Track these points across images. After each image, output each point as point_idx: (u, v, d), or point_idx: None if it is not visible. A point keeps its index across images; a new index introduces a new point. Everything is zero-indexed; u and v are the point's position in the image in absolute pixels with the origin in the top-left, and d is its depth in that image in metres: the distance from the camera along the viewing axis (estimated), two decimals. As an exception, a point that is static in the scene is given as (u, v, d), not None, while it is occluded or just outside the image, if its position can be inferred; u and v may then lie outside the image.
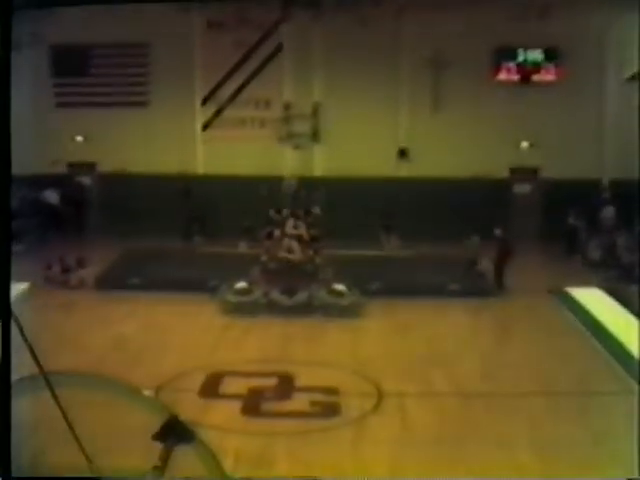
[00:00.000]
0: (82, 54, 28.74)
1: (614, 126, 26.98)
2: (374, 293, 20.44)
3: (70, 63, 28.71)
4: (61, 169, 29.29)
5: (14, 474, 3.49)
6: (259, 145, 28.51)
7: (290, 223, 21.61)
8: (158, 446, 5.00)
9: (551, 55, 27.95)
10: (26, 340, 4.02)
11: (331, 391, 14.30)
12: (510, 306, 20.58)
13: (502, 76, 28.19)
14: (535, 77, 28.17)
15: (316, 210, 21.90)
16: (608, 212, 26.48)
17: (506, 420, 13.06)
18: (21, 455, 4.77)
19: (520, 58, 28.07)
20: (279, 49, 28.56)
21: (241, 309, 19.55)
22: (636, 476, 7.22)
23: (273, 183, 23.73)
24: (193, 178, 28.70)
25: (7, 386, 3.31)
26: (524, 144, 28.42)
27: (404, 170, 28.78)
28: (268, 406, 13.93)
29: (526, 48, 27.96)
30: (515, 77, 28.23)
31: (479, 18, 27.21)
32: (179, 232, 27.12)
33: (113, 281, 21.88)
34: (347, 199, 26.79)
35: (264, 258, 21.03)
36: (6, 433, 3.28)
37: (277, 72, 28.58)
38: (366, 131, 28.31)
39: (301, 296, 19.84)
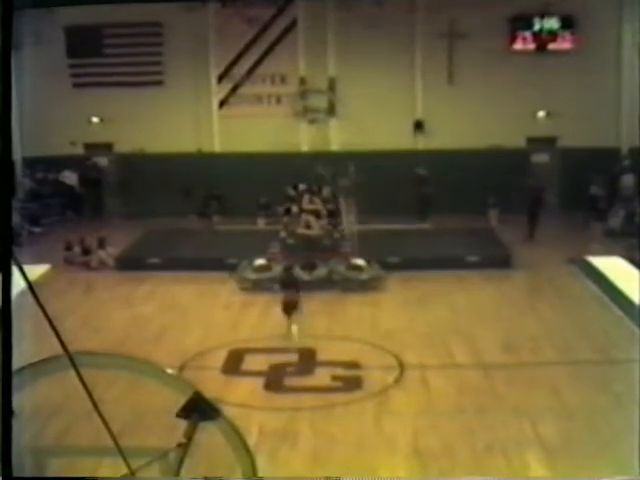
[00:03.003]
0: (96, 35, 28.71)
1: (632, 93, 26.67)
2: (393, 266, 20.43)
3: (85, 44, 28.69)
4: (78, 150, 29.35)
5: (15, 474, 3.52)
6: (275, 121, 28.45)
7: (306, 199, 21.62)
8: (182, 423, 5.04)
9: (567, 23, 27.65)
10: (50, 321, 4.05)
11: (352, 365, 14.36)
12: (530, 276, 20.52)
13: (518, 45, 27.95)
14: (551, 46, 27.90)
15: (326, 191, 21.91)
16: (628, 180, 26.29)
17: (527, 390, 13.08)
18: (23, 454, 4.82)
19: (536, 27, 27.78)
20: (293, 24, 28.43)
21: (261, 286, 19.59)
22: (637, 476, 7.19)
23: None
24: (210, 156, 28.72)
25: (8, 385, 3.33)
26: (541, 113, 28.21)
27: (420, 142, 28.68)
28: (290, 382, 14.00)
29: (542, 16, 27.70)
30: (531, 46, 27.96)
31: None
32: (197, 211, 27.17)
33: (133, 261, 21.95)
34: (364, 173, 26.69)
35: (283, 234, 21.05)
36: (7, 432, 3.30)
37: (292, 47, 28.47)
38: (382, 104, 28.15)
39: (320, 271, 19.85)
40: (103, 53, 28.90)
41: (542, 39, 27.87)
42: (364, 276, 19.74)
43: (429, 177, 26.90)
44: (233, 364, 14.63)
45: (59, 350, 4.43)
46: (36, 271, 18.81)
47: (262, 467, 5.59)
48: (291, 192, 21.83)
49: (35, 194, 27.25)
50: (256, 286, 19.57)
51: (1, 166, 3.08)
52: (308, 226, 20.94)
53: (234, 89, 28.90)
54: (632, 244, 21.79)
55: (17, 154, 27.24)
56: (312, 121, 28.65)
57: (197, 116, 28.83)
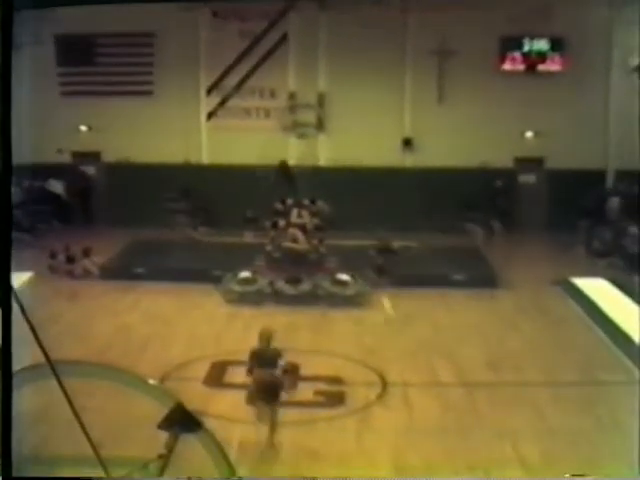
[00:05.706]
0: (87, 44, 28.67)
1: (619, 116, 26.86)
2: (378, 283, 20.43)
3: (75, 53, 28.64)
4: (65, 158, 29.27)
5: (15, 474, 3.49)
6: (264, 135, 28.44)
7: (294, 213, 21.60)
8: (164, 435, 5.02)
9: (557, 45, 27.82)
10: (32, 328, 4.03)
11: (335, 381, 14.33)
12: (514, 296, 20.55)
13: (507, 66, 28.07)
14: (541, 67, 28.05)
15: (320, 203, 21.88)
16: (613, 202, 26.39)
17: (510, 410, 13.07)
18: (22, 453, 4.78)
19: (526, 48, 27.95)
20: (284, 39, 28.50)
21: (246, 298, 19.57)
22: (636, 476, 7.19)
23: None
24: (197, 168, 28.71)
25: (8, 385, 3.31)
26: (529, 134, 28.34)
27: (409, 160, 28.75)
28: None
29: (532, 38, 27.86)
30: (521, 67, 28.09)
31: (484, 7, 27.11)
32: (183, 222, 27.12)
33: (118, 271, 21.88)
34: (351, 189, 26.73)
35: (269, 248, 21.04)
36: (7, 433, 3.28)
37: (282, 62, 28.51)
38: (371, 121, 28.22)
39: (305, 285, 19.85)
40: (93, 62, 28.87)
41: (532, 60, 28.02)
42: (349, 292, 19.74)
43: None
44: (215, 376, 14.58)
45: (42, 358, 4.41)
46: (19, 279, 18.71)
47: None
48: (279, 206, 21.78)
49: (22, 201, 27.11)
50: (241, 299, 19.56)
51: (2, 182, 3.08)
52: (295, 240, 20.92)
53: (223, 102, 28.92)
54: (616, 266, 21.93)
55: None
56: (301, 136, 28.68)
57: (186, 127, 28.79)
